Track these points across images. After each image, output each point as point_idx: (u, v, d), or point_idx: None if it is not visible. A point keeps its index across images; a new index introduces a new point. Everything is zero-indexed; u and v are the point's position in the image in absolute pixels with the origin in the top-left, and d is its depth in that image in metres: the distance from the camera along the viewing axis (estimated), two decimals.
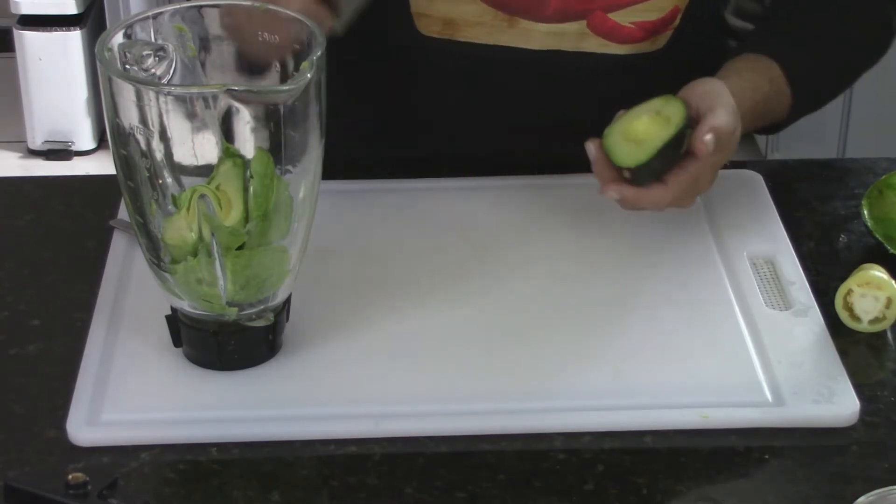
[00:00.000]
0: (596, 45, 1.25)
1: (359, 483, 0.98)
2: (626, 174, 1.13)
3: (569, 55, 1.25)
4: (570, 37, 1.24)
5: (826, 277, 1.17)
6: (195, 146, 1.00)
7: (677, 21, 1.25)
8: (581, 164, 1.18)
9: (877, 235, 1.20)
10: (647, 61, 1.27)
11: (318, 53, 0.99)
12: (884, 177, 1.24)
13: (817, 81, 1.29)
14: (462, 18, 1.23)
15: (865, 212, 1.22)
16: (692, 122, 1.13)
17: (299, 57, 1.01)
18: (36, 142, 3.29)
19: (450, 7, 1.22)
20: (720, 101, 1.14)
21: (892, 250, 1.19)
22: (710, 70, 1.22)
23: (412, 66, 1.26)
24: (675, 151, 1.13)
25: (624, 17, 1.23)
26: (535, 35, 1.24)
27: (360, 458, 1.00)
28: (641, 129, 1.13)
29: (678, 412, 1.03)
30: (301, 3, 1.06)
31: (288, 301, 1.07)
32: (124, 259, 1.18)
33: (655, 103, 1.14)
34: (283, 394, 1.04)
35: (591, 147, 1.14)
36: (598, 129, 1.22)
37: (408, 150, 1.32)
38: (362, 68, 1.29)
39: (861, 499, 0.92)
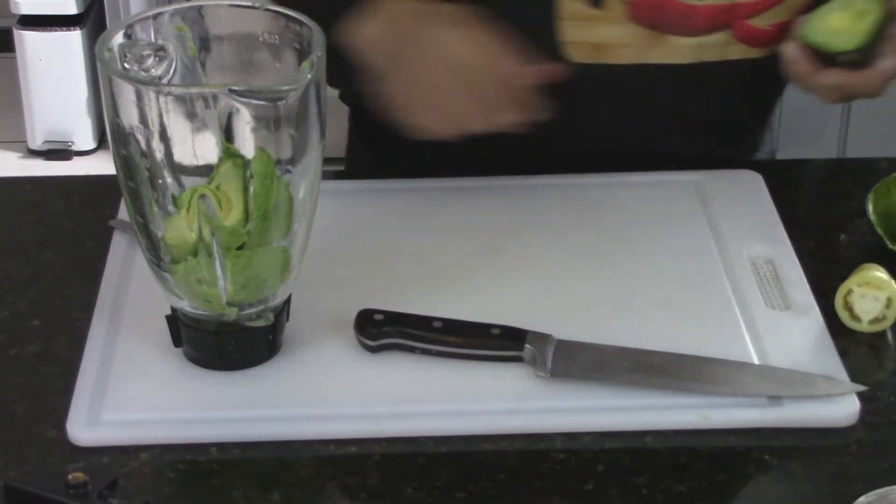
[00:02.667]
0: (739, 51, 1.26)
1: (359, 483, 0.98)
2: (846, 58, 1.17)
3: (712, 65, 1.26)
4: (715, 47, 1.25)
5: (826, 277, 1.17)
6: (195, 146, 1.00)
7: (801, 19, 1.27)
8: (721, 163, 1.27)
9: (878, 230, 1.20)
10: (776, 60, 1.29)
11: (318, 53, 0.99)
12: (894, 174, 1.24)
13: None
14: (612, 42, 1.23)
15: (870, 206, 1.22)
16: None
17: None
18: (36, 142, 3.30)
19: (599, 32, 1.23)
20: None
21: (890, 245, 1.19)
22: None
23: (558, 90, 1.26)
24: (882, 39, 1.17)
25: (763, 21, 1.25)
26: (683, 49, 1.25)
27: (360, 458, 1.00)
28: (840, 21, 1.17)
29: (678, 412, 1.03)
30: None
31: (288, 301, 1.07)
32: (124, 259, 1.18)
33: (837, 1, 1.18)
34: (283, 394, 1.04)
35: (790, 46, 1.19)
36: (731, 127, 1.30)
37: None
38: None
39: (861, 499, 0.92)
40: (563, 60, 1.24)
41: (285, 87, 0.98)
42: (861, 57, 1.18)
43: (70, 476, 0.92)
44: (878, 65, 1.18)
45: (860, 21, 1.17)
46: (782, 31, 1.25)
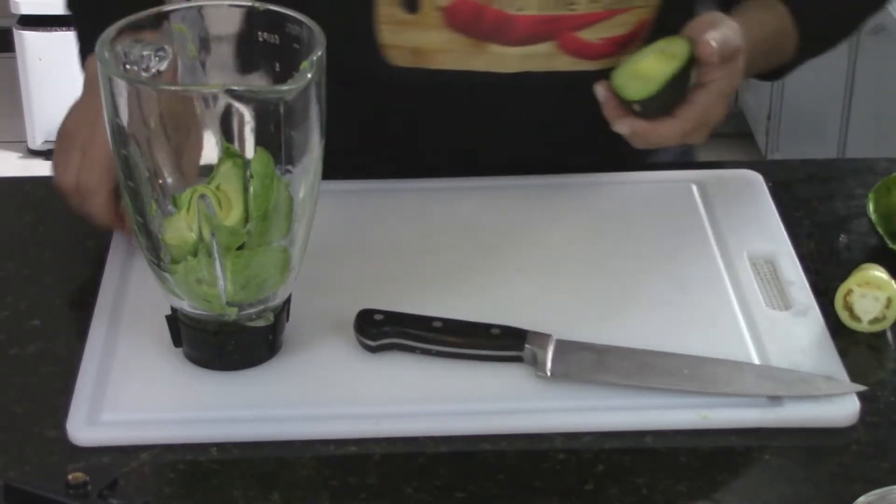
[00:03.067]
0: (567, 63, 1.25)
1: (359, 483, 0.98)
2: (637, 108, 1.15)
3: (540, 75, 1.25)
4: (541, 58, 1.24)
5: (826, 277, 1.17)
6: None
7: (646, 33, 1.26)
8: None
9: (878, 230, 1.20)
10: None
11: (319, 53, 0.99)
12: (893, 174, 1.24)
13: (824, 21, 1.30)
14: (431, 47, 1.23)
15: (871, 205, 1.22)
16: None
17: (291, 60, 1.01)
18: (36, 142, 3.30)
19: (418, 37, 1.22)
20: (722, 22, 1.17)
21: (891, 245, 1.19)
22: None
23: (383, 94, 1.26)
24: (684, 86, 1.15)
25: (593, 34, 1.23)
26: (506, 58, 1.24)
27: (360, 458, 1.00)
28: (648, 65, 1.15)
29: (678, 412, 1.03)
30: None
31: (288, 301, 1.07)
32: (124, 259, 1.18)
33: (660, 43, 1.17)
34: (283, 394, 1.04)
35: (599, 88, 1.17)
36: (575, 142, 1.24)
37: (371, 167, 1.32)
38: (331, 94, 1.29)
39: (861, 499, 0.92)
40: (383, 63, 1.24)
41: (285, 87, 0.98)
42: (646, 108, 1.14)
43: (70, 476, 0.92)
44: (677, 115, 1.15)
45: (669, 64, 1.14)
46: (617, 45, 1.24)
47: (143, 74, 1.03)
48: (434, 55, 1.24)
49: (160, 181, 1.01)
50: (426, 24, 1.22)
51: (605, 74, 1.21)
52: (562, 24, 1.22)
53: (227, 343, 1.05)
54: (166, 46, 1.04)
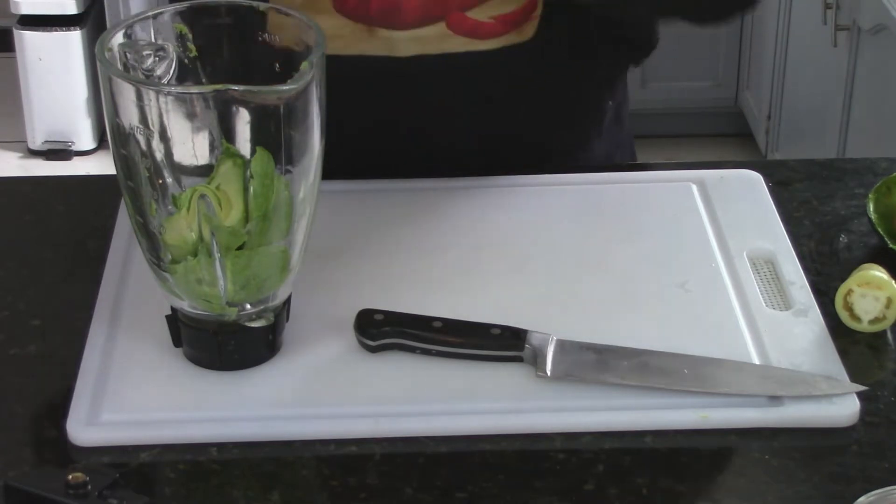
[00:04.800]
0: (460, 44, 1.24)
1: (359, 483, 0.98)
2: None
3: (434, 58, 1.24)
4: (433, 40, 1.24)
5: (826, 277, 1.17)
6: (195, 146, 1.00)
7: (539, 9, 1.25)
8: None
9: (878, 230, 1.20)
10: (519, 53, 1.26)
11: (319, 53, 0.99)
12: (894, 174, 1.24)
13: None
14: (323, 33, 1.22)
15: (871, 205, 1.22)
16: None
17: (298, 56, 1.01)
18: (36, 142, 3.30)
19: None
20: None
21: (891, 245, 1.19)
22: (587, 53, 1.20)
23: None
24: None
25: (482, 13, 1.23)
26: (397, 42, 1.23)
27: (360, 458, 1.00)
28: None
29: (678, 412, 1.03)
30: None
31: (288, 301, 1.07)
32: (124, 259, 1.18)
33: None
34: (283, 394, 1.04)
35: None
36: (481, 126, 1.24)
37: None
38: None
39: (861, 499, 0.92)
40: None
41: (285, 87, 0.98)
42: None
43: (70, 476, 0.92)
44: None
45: None
46: (508, 24, 1.23)
47: (143, 74, 1.03)
48: (327, 41, 1.23)
49: (160, 181, 1.01)
50: (317, 10, 1.20)
51: (500, 54, 1.20)
52: (450, 4, 1.22)
53: (227, 343, 1.05)
54: (166, 46, 1.04)
